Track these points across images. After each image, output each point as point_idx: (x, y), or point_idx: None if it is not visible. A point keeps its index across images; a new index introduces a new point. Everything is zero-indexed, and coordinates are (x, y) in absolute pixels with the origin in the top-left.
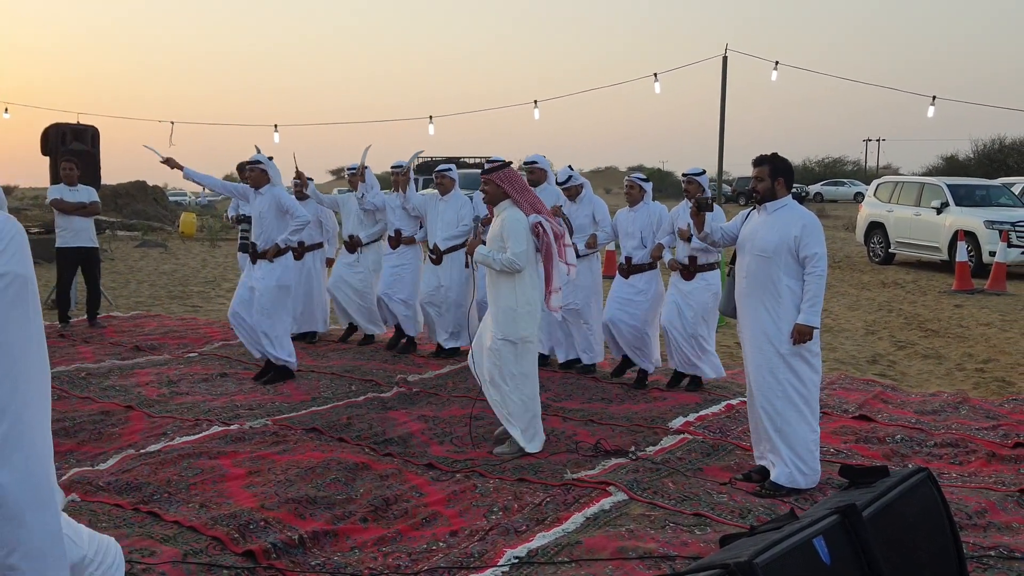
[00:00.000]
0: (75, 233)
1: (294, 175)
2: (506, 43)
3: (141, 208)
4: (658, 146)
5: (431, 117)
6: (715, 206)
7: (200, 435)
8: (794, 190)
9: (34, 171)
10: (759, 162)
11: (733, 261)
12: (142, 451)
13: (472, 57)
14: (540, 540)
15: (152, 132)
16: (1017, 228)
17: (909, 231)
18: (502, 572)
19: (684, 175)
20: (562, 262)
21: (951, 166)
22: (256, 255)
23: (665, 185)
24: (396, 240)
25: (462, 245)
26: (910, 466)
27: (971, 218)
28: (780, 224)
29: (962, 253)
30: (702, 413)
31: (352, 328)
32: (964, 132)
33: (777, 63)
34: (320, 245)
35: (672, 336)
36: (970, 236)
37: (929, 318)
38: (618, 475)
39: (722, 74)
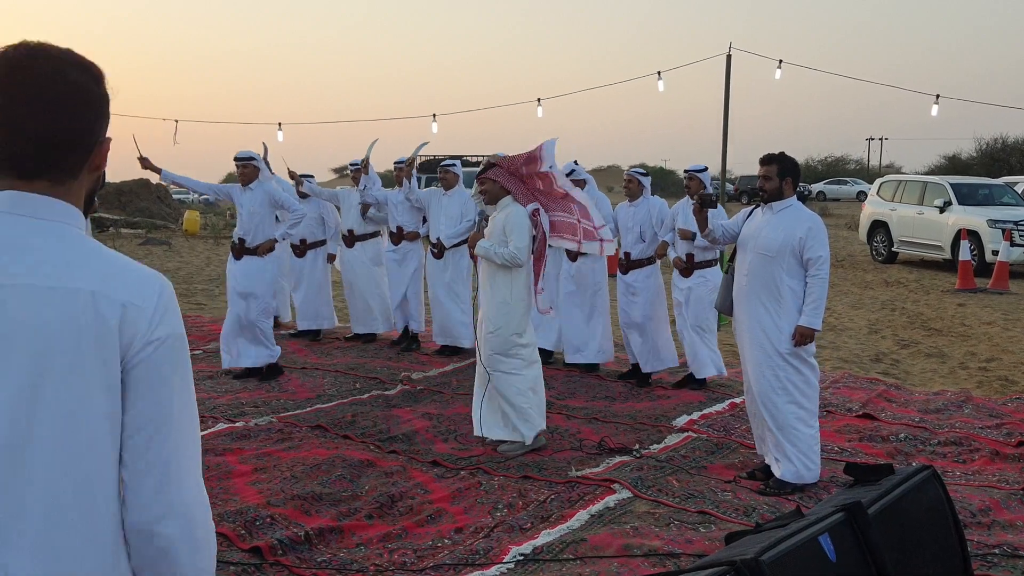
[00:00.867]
0: None
1: (290, 176)
2: (510, 41)
3: (145, 206)
4: (661, 144)
5: (434, 115)
6: (718, 203)
7: (206, 432)
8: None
9: None
10: (767, 161)
11: (732, 259)
12: None
13: (475, 55)
14: (545, 537)
15: (156, 130)
16: (1020, 227)
17: (912, 230)
18: (507, 569)
19: (686, 171)
20: (593, 242)
21: (954, 165)
22: (242, 251)
23: (667, 183)
24: (398, 236)
25: (466, 241)
26: (915, 464)
27: (974, 217)
28: (785, 224)
29: (965, 252)
30: (706, 411)
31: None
32: (967, 131)
33: (781, 61)
34: (323, 242)
35: (683, 340)
36: (973, 235)
37: (932, 317)
38: (622, 473)
39: (726, 72)
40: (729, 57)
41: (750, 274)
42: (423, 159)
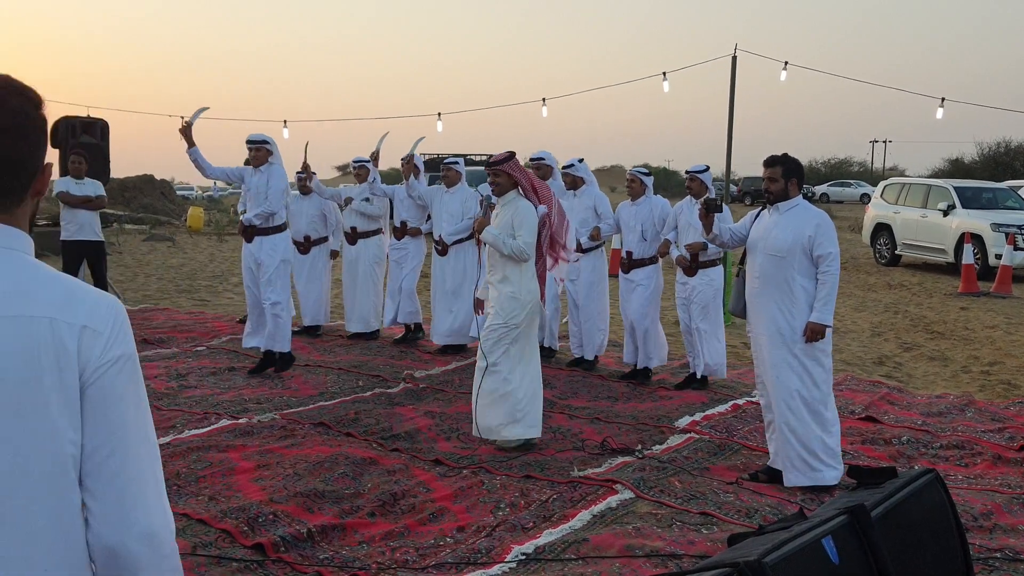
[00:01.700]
0: (79, 227)
1: (301, 166)
2: (515, 41)
3: (149, 202)
4: (665, 145)
5: (439, 114)
6: (723, 206)
7: (209, 428)
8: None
9: None
10: (771, 163)
11: (743, 261)
12: None
13: (481, 55)
14: (547, 537)
15: (161, 126)
16: (1023, 231)
17: (915, 233)
18: (509, 568)
19: (687, 172)
20: (559, 257)
21: (956, 168)
22: (255, 232)
23: (670, 184)
24: (401, 231)
25: (468, 237)
26: (918, 467)
27: (978, 220)
28: (793, 224)
29: (968, 255)
30: (708, 412)
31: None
32: (970, 135)
33: (786, 63)
34: (325, 239)
35: (687, 340)
36: (976, 238)
37: (935, 320)
38: (625, 473)
39: (731, 74)
40: (734, 58)
41: (762, 276)
42: (426, 157)
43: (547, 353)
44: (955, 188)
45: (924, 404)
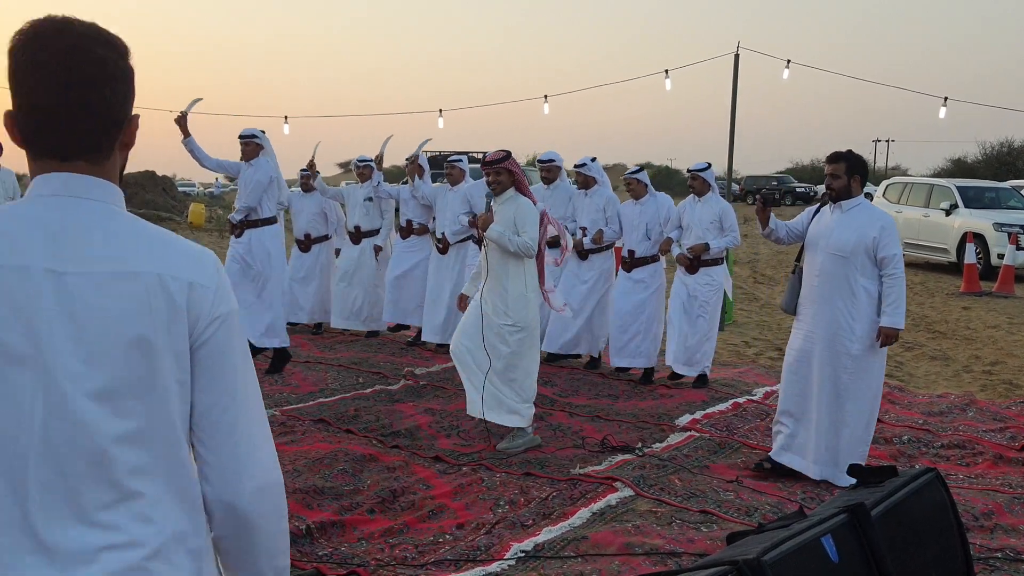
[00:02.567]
0: None
1: (307, 164)
2: (517, 38)
3: (150, 198)
4: (668, 143)
5: (441, 111)
6: (726, 203)
7: None
8: (802, 190)
9: None
10: (834, 159)
11: (799, 259)
12: None
13: (483, 51)
14: (546, 534)
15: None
16: None
17: (918, 232)
18: (508, 565)
19: (689, 171)
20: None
21: (959, 168)
22: (245, 225)
23: (672, 183)
24: (408, 230)
25: (472, 236)
26: (918, 467)
27: (980, 220)
28: (857, 224)
29: (970, 255)
30: (709, 411)
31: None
32: (974, 134)
33: (789, 61)
34: (327, 237)
35: (674, 330)
36: (979, 238)
37: (937, 320)
38: (625, 471)
39: (734, 72)
40: (737, 56)
41: (822, 274)
42: (429, 154)
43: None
44: (958, 188)
45: (925, 403)
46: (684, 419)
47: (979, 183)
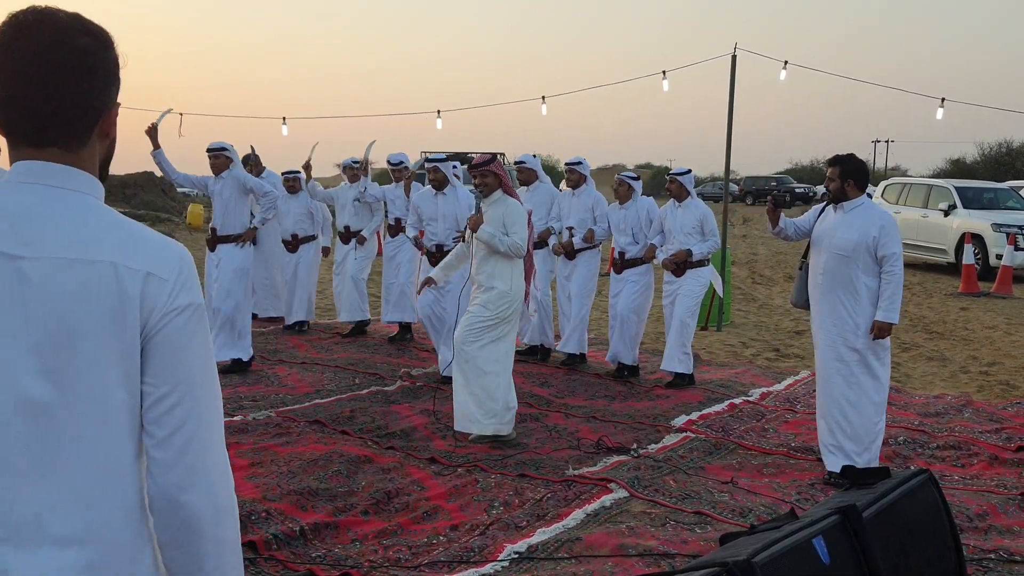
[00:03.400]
0: None
1: (303, 164)
2: (514, 38)
3: (150, 199)
4: (666, 144)
5: (439, 112)
6: (706, 208)
7: None
8: (801, 189)
9: None
10: (832, 163)
11: (806, 255)
12: None
13: (480, 52)
14: (540, 536)
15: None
16: None
17: (916, 233)
18: (502, 567)
19: (668, 175)
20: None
21: (958, 169)
22: (216, 241)
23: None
24: (396, 228)
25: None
26: (912, 468)
27: (978, 221)
28: (858, 223)
29: (969, 256)
30: (705, 412)
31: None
32: (973, 135)
33: (786, 63)
34: (314, 237)
35: (668, 332)
36: (977, 239)
37: (935, 320)
38: (619, 472)
39: (731, 73)
40: (734, 57)
41: (826, 272)
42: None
43: (544, 353)
44: (956, 188)
45: (921, 404)
46: (680, 420)
47: (978, 184)
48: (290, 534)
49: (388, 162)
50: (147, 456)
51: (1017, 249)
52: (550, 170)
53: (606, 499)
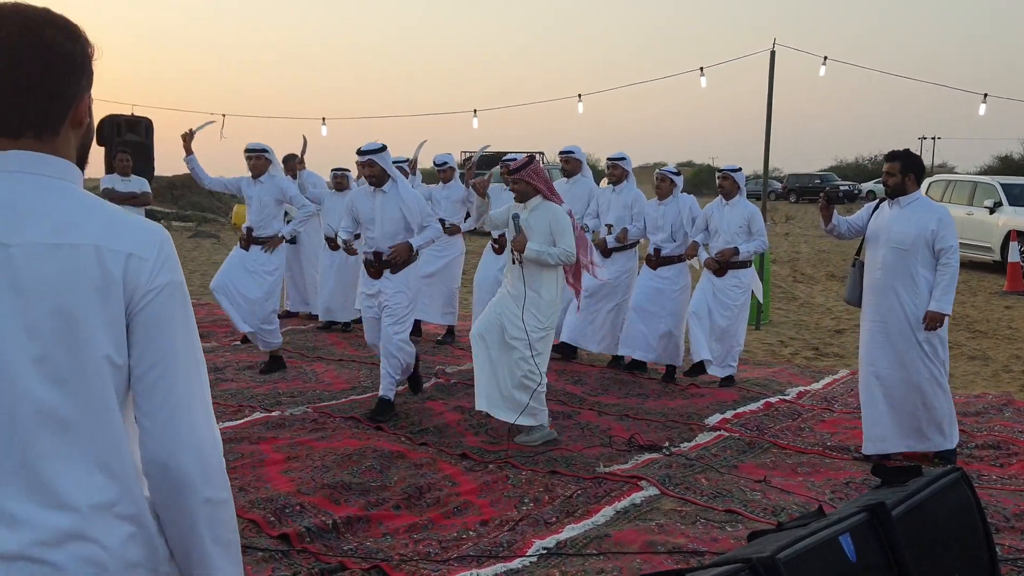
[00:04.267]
0: None
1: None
2: (550, 37)
3: (196, 200)
4: (705, 141)
5: (475, 111)
6: (753, 207)
7: (242, 421)
8: (845, 187)
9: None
10: (891, 158)
11: (859, 252)
12: None
13: (516, 51)
14: (569, 532)
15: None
16: None
17: (961, 230)
18: (530, 562)
19: (719, 170)
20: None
21: (1006, 166)
22: (250, 241)
23: (715, 181)
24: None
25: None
26: (945, 466)
27: None
28: (916, 218)
29: (1014, 254)
30: (740, 410)
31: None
32: (1019, 132)
33: (826, 58)
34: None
35: (694, 327)
36: (1023, 236)
37: (978, 319)
38: (650, 470)
39: (770, 69)
40: (773, 53)
41: (884, 267)
42: (485, 155)
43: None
44: (1002, 185)
45: (962, 403)
46: (714, 418)
47: None
48: (323, 527)
49: (434, 163)
50: (140, 429)
51: None
52: (590, 167)
53: (636, 496)
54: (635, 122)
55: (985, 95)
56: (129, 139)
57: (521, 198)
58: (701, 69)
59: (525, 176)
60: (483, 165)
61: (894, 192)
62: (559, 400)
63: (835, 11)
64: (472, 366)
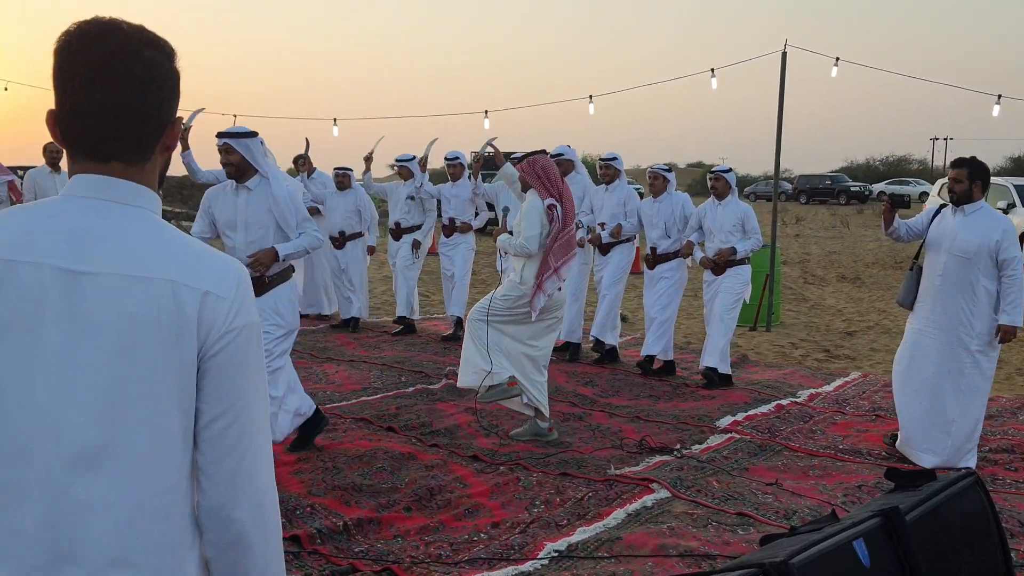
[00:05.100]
0: None
1: (365, 156)
2: (561, 38)
3: None
4: (716, 142)
5: (486, 112)
6: (746, 206)
7: None
8: (856, 189)
9: None
10: (958, 164)
11: (917, 256)
12: None
13: (527, 52)
14: (580, 534)
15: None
16: None
17: None
18: (541, 565)
19: (712, 172)
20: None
21: (1019, 167)
22: None
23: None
24: (450, 228)
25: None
26: (963, 470)
27: None
28: (980, 227)
29: None
30: (751, 412)
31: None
32: None
33: (838, 59)
34: (360, 234)
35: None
36: None
37: None
38: (662, 472)
39: (781, 70)
40: (784, 54)
41: (944, 274)
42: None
43: (574, 349)
44: (1015, 186)
45: None
46: (725, 421)
47: None
48: (334, 529)
49: (445, 158)
50: (199, 472)
51: None
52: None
53: (647, 499)
54: (646, 123)
55: (999, 96)
56: None
57: (524, 188)
58: (712, 70)
59: (521, 169)
60: (490, 165)
61: (960, 199)
62: (570, 402)
63: (847, 12)
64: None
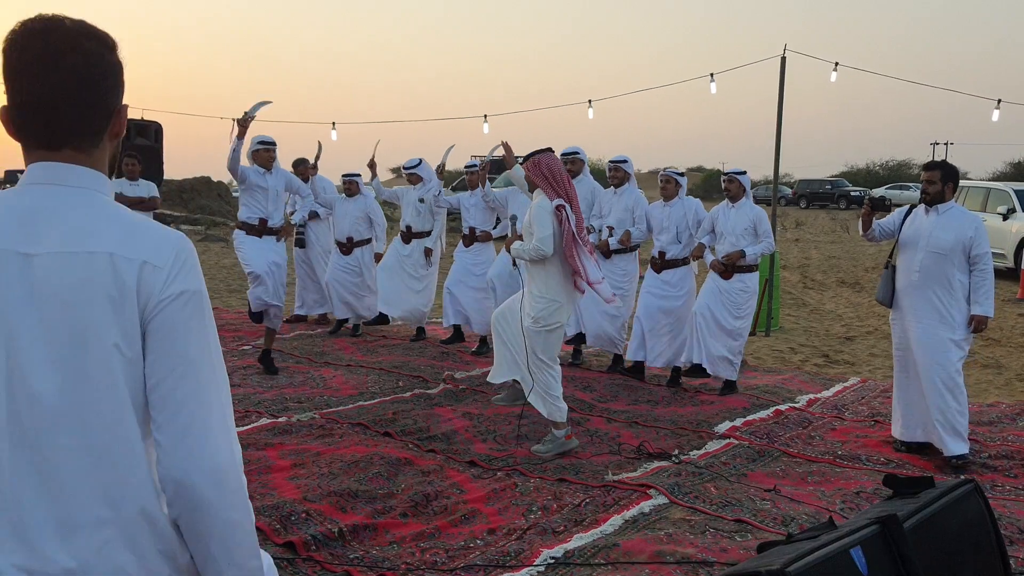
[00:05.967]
0: None
1: (368, 162)
2: (561, 42)
3: (206, 203)
4: (716, 147)
5: (486, 116)
6: (759, 209)
7: (249, 427)
8: (856, 194)
9: None
10: (931, 167)
11: (891, 255)
12: None
13: (527, 56)
14: (577, 541)
15: (215, 129)
16: None
17: None
18: (537, 572)
19: (726, 173)
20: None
21: (1019, 172)
22: (264, 231)
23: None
24: (471, 238)
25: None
26: (962, 476)
27: None
28: (953, 224)
29: None
30: (750, 418)
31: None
32: None
33: (837, 64)
34: (368, 240)
35: (699, 327)
36: None
37: (991, 327)
38: (660, 478)
39: (780, 75)
40: (783, 59)
41: (923, 271)
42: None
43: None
44: (1015, 191)
45: (975, 413)
46: (723, 426)
47: None
48: (329, 535)
49: (464, 167)
50: (155, 442)
51: None
52: (599, 174)
53: (645, 505)
54: (645, 127)
55: (999, 101)
56: (139, 143)
57: (531, 187)
58: (711, 75)
59: (527, 167)
60: (495, 169)
61: (933, 200)
62: (568, 406)
63: (846, 17)
64: (480, 372)
